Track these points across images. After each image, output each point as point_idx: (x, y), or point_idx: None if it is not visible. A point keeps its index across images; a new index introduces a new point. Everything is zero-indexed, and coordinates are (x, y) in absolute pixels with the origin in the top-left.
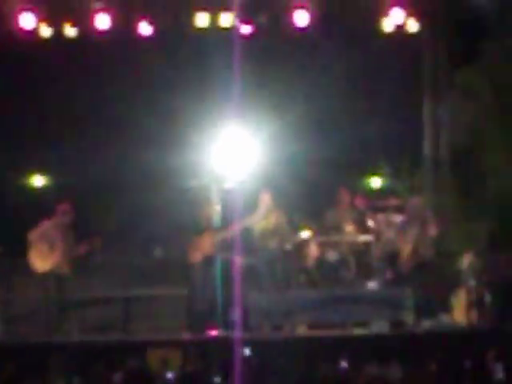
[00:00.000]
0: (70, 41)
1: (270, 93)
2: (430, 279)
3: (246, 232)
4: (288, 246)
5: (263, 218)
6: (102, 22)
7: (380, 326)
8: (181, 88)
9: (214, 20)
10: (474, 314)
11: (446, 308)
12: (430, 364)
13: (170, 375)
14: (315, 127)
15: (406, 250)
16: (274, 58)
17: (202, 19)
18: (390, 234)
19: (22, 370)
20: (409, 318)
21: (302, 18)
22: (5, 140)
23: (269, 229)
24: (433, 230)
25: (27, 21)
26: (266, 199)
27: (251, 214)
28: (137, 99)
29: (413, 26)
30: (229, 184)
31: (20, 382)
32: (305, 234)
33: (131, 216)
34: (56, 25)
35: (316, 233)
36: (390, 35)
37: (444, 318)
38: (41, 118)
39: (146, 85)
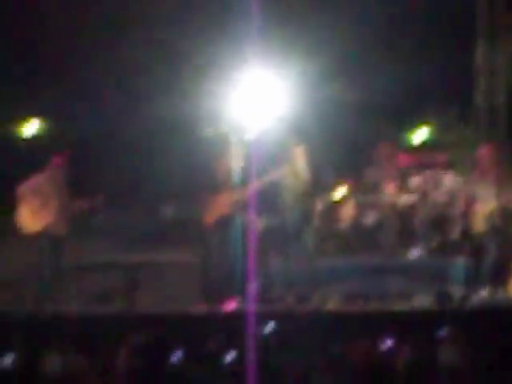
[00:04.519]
0: None
1: (297, 30)
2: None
3: (274, 189)
4: (320, 207)
5: (294, 173)
6: None
7: (423, 301)
8: (195, 26)
9: None
10: None
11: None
12: (483, 346)
13: (179, 353)
14: (350, 70)
15: (480, 212)
16: None
17: None
18: (438, 194)
19: (5, 346)
20: (457, 291)
21: None
22: None
23: (300, 187)
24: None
25: None
26: (298, 153)
27: (277, 168)
28: (146, 40)
29: None
30: (250, 134)
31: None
32: (339, 192)
33: (138, 171)
34: None
35: (352, 192)
36: None
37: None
38: (32, 54)
39: (155, 24)
